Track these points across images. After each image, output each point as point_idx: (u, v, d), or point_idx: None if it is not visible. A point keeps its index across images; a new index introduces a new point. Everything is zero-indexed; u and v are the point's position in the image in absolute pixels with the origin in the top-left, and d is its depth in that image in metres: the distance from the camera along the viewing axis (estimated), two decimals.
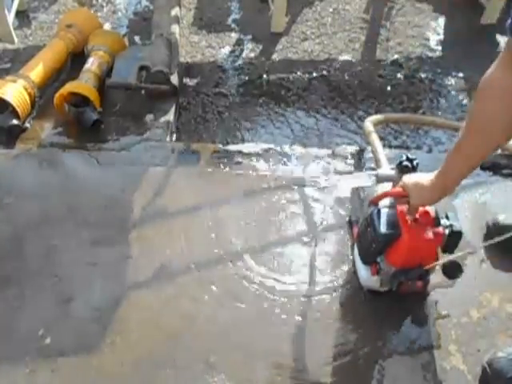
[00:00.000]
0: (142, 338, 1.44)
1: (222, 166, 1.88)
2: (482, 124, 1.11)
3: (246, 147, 1.97)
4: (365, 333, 1.46)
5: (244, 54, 2.40)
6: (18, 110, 1.96)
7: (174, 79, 2.12)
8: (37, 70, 2.08)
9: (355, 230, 1.55)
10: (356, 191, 1.62)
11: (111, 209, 1.72)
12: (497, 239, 1.23)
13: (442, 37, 2.53)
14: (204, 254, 1.63)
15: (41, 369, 1.38)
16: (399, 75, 2.32)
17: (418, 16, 2.64)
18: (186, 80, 2.26)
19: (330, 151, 1.97)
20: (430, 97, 2.22)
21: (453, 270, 1.39)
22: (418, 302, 1.51)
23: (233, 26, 2.56)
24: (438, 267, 1.40)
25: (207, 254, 1.63)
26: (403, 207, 1.35)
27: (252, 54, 2.40)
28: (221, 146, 1.98)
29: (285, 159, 1.91)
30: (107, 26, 2.49)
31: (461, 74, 2.34)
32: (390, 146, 2.00)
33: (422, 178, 1.28)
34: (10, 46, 2.36)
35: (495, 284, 1.57)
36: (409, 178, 1.32)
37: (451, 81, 2.30)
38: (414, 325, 1.48)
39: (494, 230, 1.61)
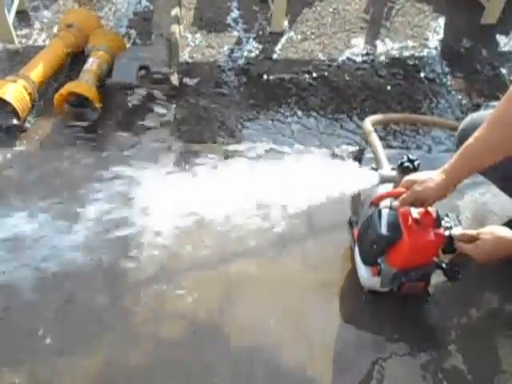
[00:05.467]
0: (142, 337, 1.44)
1: (222, 166, 1.88)
2: (505, 121, 1.18)
3: (246, 147, 1.97)
4: (365, 333, 1.46)
5: (244, 54, 2.40)
6: (18, 110, 1.96)
7: (174, 79, 2.12)
8: (37, 70, 2.08)
9: (355, 230, 1.55)
10: (356, 191, 1.62)
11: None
12: None
13: (441, 37, 2.52)
14: (206, 252, 1.63)
15: (41, 369, 1.38)
16: (399, 75, 2.31)
17: (417, 16, 2.63)
18: (186, 80, 2.26)
19: (330, 151, 1.98)
20: (430, 97, 2.22)
21: (453, 272, 1.39)
22: (418, 303, 1.52)
23: (233, 25, 2.55)
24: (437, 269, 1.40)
25: (209, 253, 1.63)
26: (405, 208, 1.35)
27: (252, 54, 2.40)
28: (221, 145, 1.98)
29: (285, 159, 1.91)
30: (107, 26, 2.49)
31: (461, 74, 2.33)
32: (390, 146, 2.00)
33: (428, 173, 1.29)
34: (10, 46, 2.36)
35: (495, 284, 1.57)
36: (412, 177, 1.33)
37: (451, 81, 2.30)
38: (414, 325, 1.48)
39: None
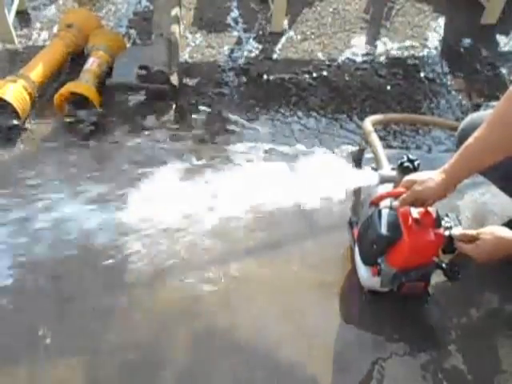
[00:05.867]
0: (142, 338, 1.44)
1: (223, 166, 1.88)
2: (504, 121, 1.18)
3: (246, 147, 1.97)
4: (365, 333, 1.46)
5: (244, 54, 2.40)
6: (18, 110, 1.96)
7: (174, 79, 2.12)
8: (37, 70, 2.08)
9: (355, 230, 1.55)
10: (356, 191, 1.62)
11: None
12: None
13: (441, 37, 2.52)
14: (206, 252, 1.63)
15: (41, 369, 1.38)
16: (399, 75, 2.31)
17: (417, 16, 2.63)
18: (186, 80, 2.26)
19: (329, 151, 1.98)
20: (430, 97, 2.22)
21: (453, 271, 1.39)
22: (418, 303, 1.52)
23: (233, 25, 2.55)
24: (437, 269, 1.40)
25: (209, 253, 1.63)
26: (404, 208, 1.35)
27: (252, 54, 2.40)
28: (221, 145, 1.98)
29: (285, 159, 1.91)
30: (107, 26, 2.49)
31: (461, 74, 2.33)
32: (390, 146, 2.00)
33: (428, 173, 1.29)
34: (10, 46, 2.36)
35: (495, 284, 1.57)
36: (412, 177, 1.33)
37: (451, 81, 2.30)
38: (414, 325, 1.48)
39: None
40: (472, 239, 1.35)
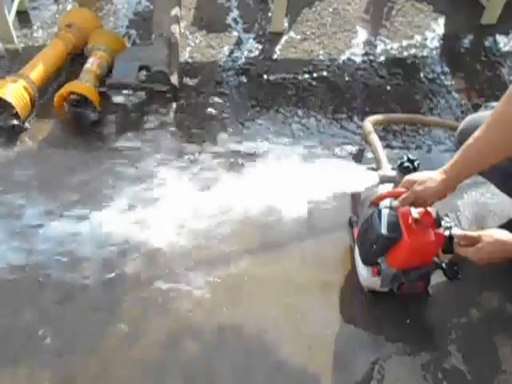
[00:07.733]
0: (142, 338, 1.44)
1: (222, 166, 1.88)
2: (504, 120, 1.18)
3: (246, 147, 1.97)
4: (365, 333, 1.47)
5: (244, 54, 2.40)
6: (18, 109, 1.96)
7: (174, 79, 2.12)
8: (37, 70, 2.08)
9: (355, 230, 1.55)
10: (356, 191, 1.62)
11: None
12: None
13: (442, 37, 2.52)
14: (206, 252, 1.63)
15: (41, 369, 1.38)
16: (399, 75, 2.31)
17: (417, 16, 2.63)
18: (186, 80, 2.26)
19: (329, 151, 1.98)
20: (430, 97, 2.22)
21: (453, 271, 1.39)
22: (418, 303, 1.52)
23: (233, 25, 2.55)
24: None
25: (209, 253, 1.63)
26: (404, 208, 1.35)
27: (252, 54, 2.40)
28: (221, 146, 1.98)
29: (285, 159, 1.92)
30: (107, 26, 2.49)
31: (461, 74, 2.33)
32: (390, 146, 2.00)
33: (428, 173, 1.29)
34: (10, 46, 2.36)
35: (495, 284, 1.58)
36: (412, 177, 1.33)
37: (451, 81, 2.30)
38: (414, 325, 1.48)
39: None
40: (473, 241, 1.35)
